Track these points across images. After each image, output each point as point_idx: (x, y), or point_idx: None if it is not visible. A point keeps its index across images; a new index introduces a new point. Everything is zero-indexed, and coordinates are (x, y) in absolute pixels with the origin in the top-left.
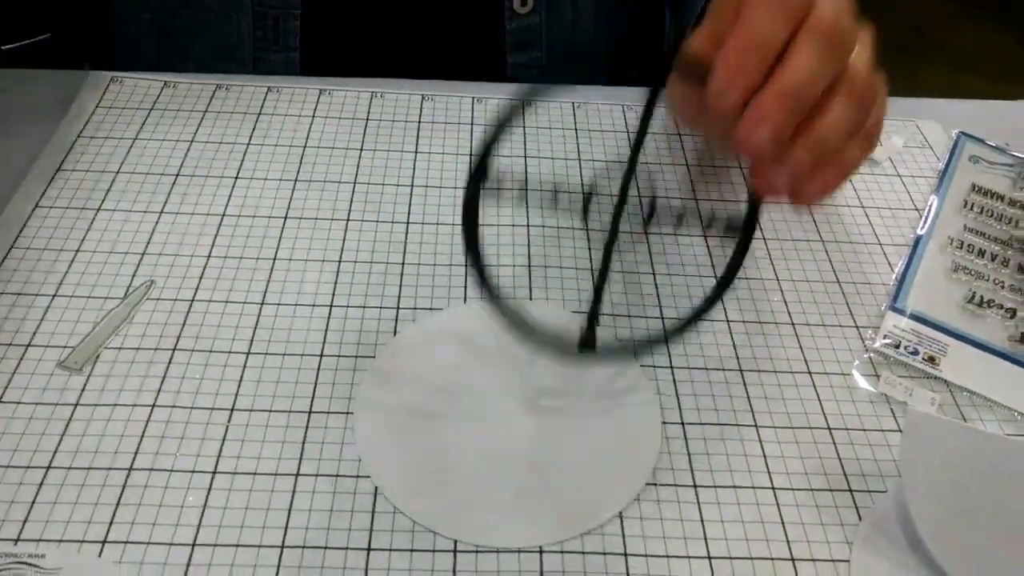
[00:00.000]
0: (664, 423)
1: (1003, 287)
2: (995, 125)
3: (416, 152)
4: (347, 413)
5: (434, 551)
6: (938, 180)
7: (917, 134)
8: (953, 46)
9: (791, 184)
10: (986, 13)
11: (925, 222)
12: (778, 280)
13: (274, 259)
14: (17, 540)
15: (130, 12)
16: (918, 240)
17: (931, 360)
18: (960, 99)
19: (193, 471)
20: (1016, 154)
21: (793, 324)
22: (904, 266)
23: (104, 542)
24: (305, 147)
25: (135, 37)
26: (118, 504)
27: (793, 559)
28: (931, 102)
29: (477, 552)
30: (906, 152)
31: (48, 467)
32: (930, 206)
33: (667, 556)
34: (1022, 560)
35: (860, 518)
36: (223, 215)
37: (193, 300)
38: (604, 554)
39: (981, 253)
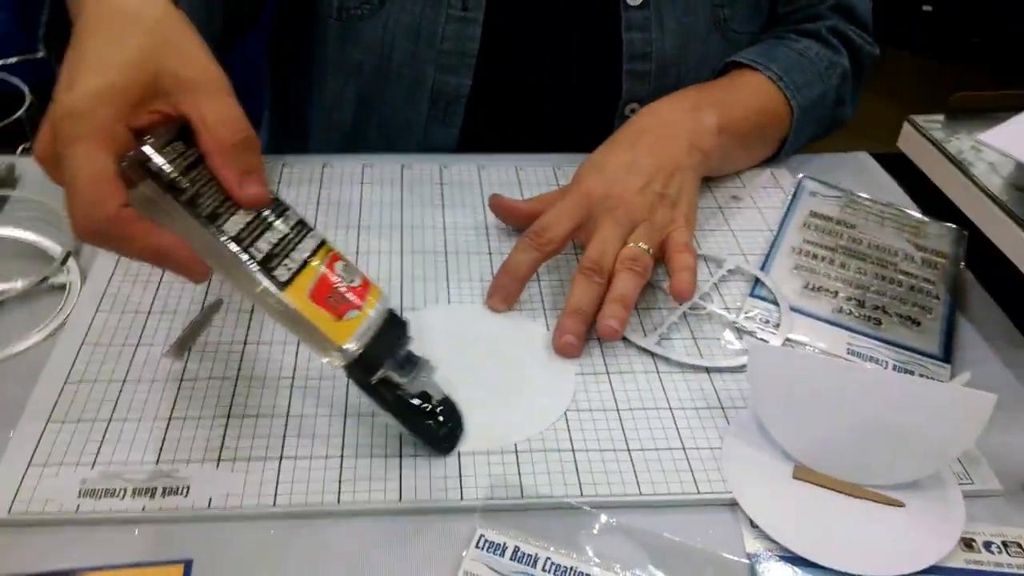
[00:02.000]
0: (580, 373)
1: (829, 278)
2: (837, 171)
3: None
4: None
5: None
6: (785, 209)
7: (771, 178)
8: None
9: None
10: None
11: (775, 238)
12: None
13: None
14: (157, 461)
15: (339, 85)
16: (770, 250)
17: (776, 326)
18: (811, 153)
19: (272, 415)
20: (843, 188)
21: (685, 312)
22: (759, 266)
23: (219, 459)
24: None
25: (338, 108)
26: (224, 436)
27: (684, 448)
28: (799, 157)
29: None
30: (763, 191)
31: (170, 418)
32: (779, 227)
33: (600, 450)
34: (831, 433)
35: (728, 422)
36: None
37: (253, 310)
38: (558, 450)
39: (815, 256)
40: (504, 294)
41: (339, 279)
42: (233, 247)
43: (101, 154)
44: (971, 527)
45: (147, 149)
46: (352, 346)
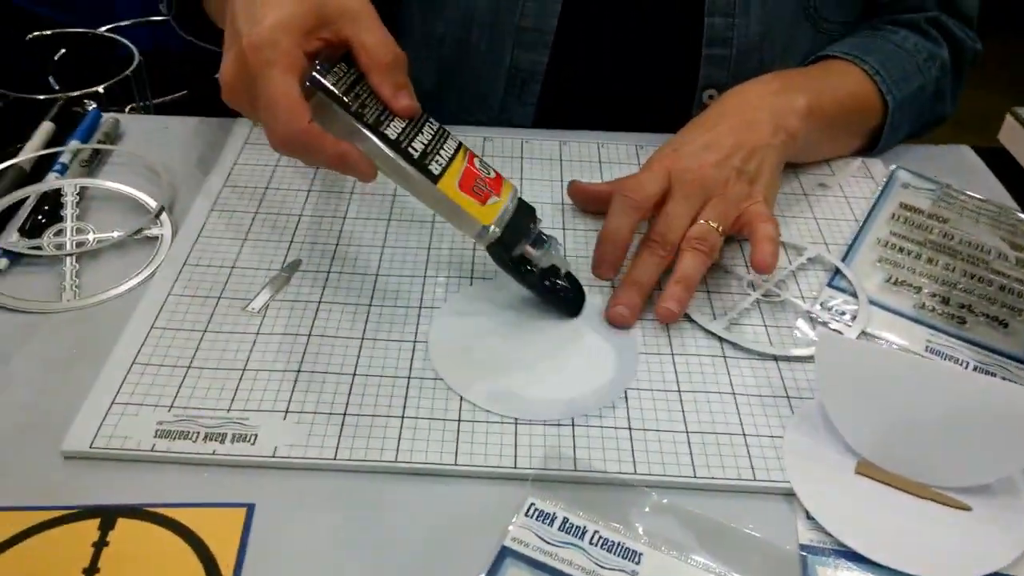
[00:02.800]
0: (644, 352)
1: (914, 272)
2: (935, 163)
3: None
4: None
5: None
6: (875, 200)
7: (863, 168)
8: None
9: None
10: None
11: (861, 228)
12: (747, 266)
13: (382, 247)
14: (229, 409)
15: (420, 57)
16: (854, 240)
17: (854, 318)
18: (908, 144)
19: (340, 373)
20: (939, 180)
21: (758, 298)
22: (841, 257)
23: (287, 411)
24: None
25: (421, 74)
26: (293, 390)
27: (744, 434)
28: (895, 148)
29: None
30: (852, 180)
31: (244, 369)
32: (866, 217)
33: (658, 431)
34: (899, 430)
35: (793, 412)
36: (344, 216)
37: (328, 272)
38: (615, 428)
39: (901, 250)
40: (612, 262)
41: (479, 171)
42: (394, 149)
43: (289, 77)
44: None
45: (320, 70)
46: (495, 227)
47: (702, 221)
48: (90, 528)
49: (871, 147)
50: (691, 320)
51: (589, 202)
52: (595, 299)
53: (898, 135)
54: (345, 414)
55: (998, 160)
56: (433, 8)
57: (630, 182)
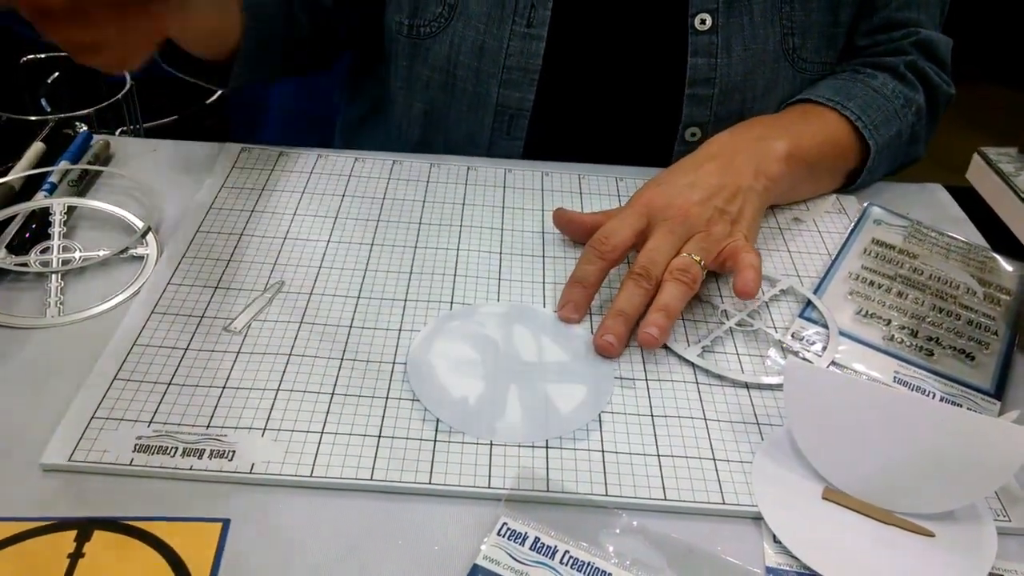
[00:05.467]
0: (619, 377)
1: (884, 306)
2: (907, 201)
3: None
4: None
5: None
6: (847, 235)
7: (836, 204)
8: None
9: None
10: (952, 123)
11: (833, 262)
12: (721, 296)
13: (364, 270)
14: (208, 426)
15: (408, 101)
16: (826, 273)
17: (824, 348)
18: (882, 182)
19: (319, 392)
20: (910, 217)
21: (732, 327)
22: (813, 290)
23: (264, 429)
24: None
25: (406, 121)
26: (271, 408)
27: (715, 459)
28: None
29: (491, 445)
30: (826, 215)
31: (224, 387)
32: (838, 251)
33: (630, 454)
34: (865, 457)
35: (763, 438)
36: (328, 240)
37: (311, 293)
38: (588, 450)
39: (871, 283)
40: (576, 304)
41: None
42: None
43: None
44: (1003, 564)
45: None
46: None
47: (684, 254)
48: (66, 539)
49: (847, 186)
50: (666, 347)
51: (571, 230)
52: (574, 327)
53: (874, 177)
54: (323, 432)
55: (968, 199)
56: (419, 52)
57: (606, 227)
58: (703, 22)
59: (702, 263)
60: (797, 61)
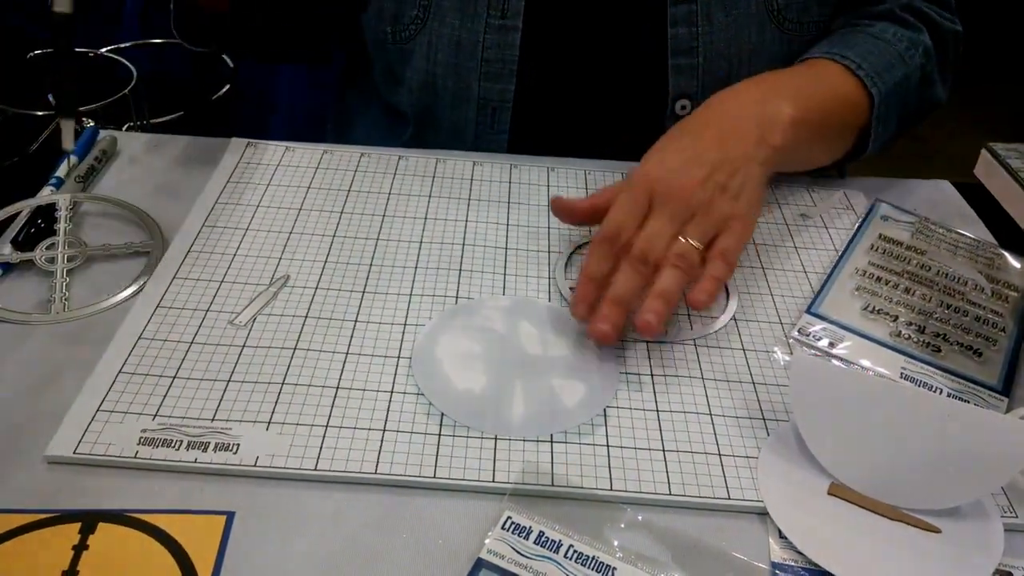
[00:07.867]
0: (624, 372)
1: (891, 301)
2: (915, 197)
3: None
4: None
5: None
6: (854, 230)
7: (844, 199)
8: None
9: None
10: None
11: (840, 257)
12: (727, 291)
13: (370, 265)
14: (213, 419)
15: (395, 102)
16: (833, 269)
17: (831, 344)
18: (891, 178)
19: (323, 385)
20: (918, 213)
21: (736, 320)
22: (820, 286)
23: (269, 422)
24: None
25: (395, 118)
26: (276, 402)
27: (720, 454)
28: (877, 181)
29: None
30: (833, 211)
31: (228, 380)
32: (845, 247)
33: (635, 448)
34: (871, 452)
35: (768, 433)
36: (334, 235)
37: (316, 288)
38: (592, 444)
39: (878, 279)
40: (591, 301)
41: None
42: None
43: None
44: (1009, 560)
45: None
46: None
47: (683, 240)
48: (71, 532)
49: (862, 148)
50: (671, 341)
51: (570, 217)
52: (578, 322)
53: (889, 128)
54: (327, 426)
55: (977, 195)
56: (400, 57)
57: (615, 220)
58: None
59: (701, 248)
60: (784, 22)
